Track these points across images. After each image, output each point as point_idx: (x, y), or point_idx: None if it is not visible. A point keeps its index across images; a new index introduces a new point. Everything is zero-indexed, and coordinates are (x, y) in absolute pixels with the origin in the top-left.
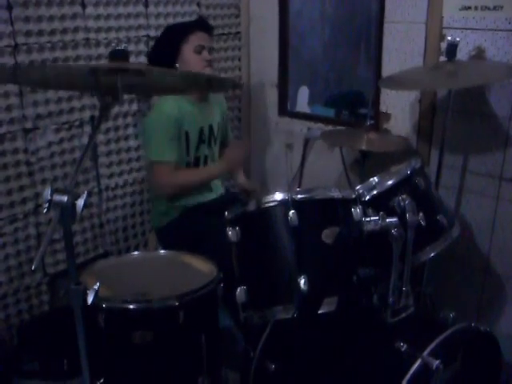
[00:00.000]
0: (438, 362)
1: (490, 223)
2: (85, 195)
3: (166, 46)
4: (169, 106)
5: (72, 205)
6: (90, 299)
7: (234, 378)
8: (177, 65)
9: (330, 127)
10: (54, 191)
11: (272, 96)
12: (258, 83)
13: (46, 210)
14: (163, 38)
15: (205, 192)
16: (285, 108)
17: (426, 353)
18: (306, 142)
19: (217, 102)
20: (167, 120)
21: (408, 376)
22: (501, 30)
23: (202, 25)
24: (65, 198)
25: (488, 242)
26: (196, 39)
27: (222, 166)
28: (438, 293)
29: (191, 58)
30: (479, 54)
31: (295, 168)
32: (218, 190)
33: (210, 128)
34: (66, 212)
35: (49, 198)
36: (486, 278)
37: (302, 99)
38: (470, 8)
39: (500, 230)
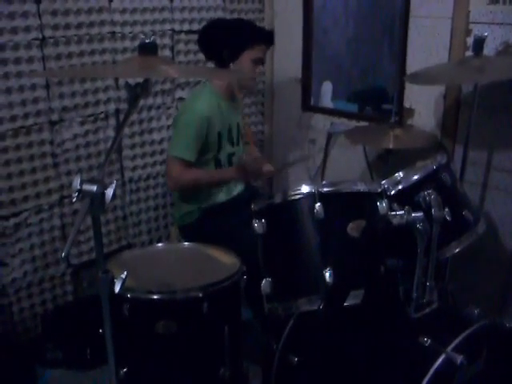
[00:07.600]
0: (462, 357)
1: None
2: (114, 185)
3: (231, 43)
4: (202, 105)
5: (101, 194)
6: (117, 288)
7: (256, 370)
8: (231, 65)
9: (353, 122)
10: (84, 181)
11: (295, 91)
12: (281, 78)
13: (75, 199)
14: (231, 33)
15: (225, 190)
16: (308, 103)
17: (450, 348)
18: (329, 137)
19: (239, 99)
20: (199, 120)
21: (431, 371)
22: None
23: (270, 40)
24: (94, 188)
25: None
26: (260, 50)
27: (236, 174)
28: (461, 289)
29: (248, 66)
30: (507, 49)
31: (318, 163)
32: (239, 187)
33: (237, 126)
34: (96, 201)
35: (78, 187)
36: (510, 275)
37: (326, 94)
38: (497, 2)
39: None
